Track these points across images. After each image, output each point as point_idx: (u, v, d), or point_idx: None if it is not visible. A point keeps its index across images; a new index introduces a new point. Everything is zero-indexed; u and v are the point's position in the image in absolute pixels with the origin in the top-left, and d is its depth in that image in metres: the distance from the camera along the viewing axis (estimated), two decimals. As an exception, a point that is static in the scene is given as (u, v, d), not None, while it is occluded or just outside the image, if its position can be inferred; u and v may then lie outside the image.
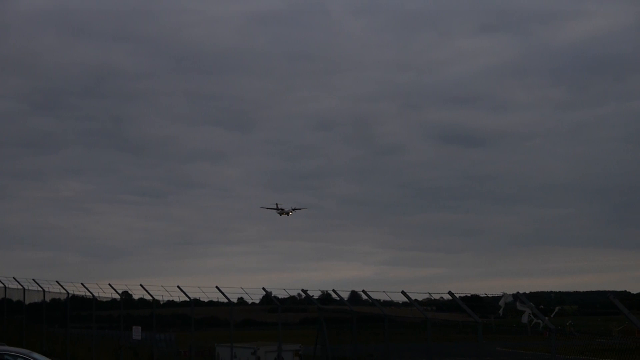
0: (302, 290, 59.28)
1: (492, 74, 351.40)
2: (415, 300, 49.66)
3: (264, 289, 58.29)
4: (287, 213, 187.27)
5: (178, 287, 60.74)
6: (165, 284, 63.72)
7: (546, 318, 37.13)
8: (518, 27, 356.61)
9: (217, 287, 57.04)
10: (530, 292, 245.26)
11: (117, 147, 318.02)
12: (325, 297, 75.37)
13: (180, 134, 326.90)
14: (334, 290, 55.23)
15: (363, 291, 50.42)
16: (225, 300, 58.37)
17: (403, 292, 43.93)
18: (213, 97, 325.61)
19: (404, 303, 53.37)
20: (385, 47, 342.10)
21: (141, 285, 63.24)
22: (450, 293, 40.04)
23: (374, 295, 51.88)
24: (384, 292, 53.01)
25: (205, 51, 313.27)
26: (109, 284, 67.51)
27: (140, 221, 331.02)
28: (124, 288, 71.63)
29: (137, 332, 62.82)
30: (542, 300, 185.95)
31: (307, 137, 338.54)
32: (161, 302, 74.81)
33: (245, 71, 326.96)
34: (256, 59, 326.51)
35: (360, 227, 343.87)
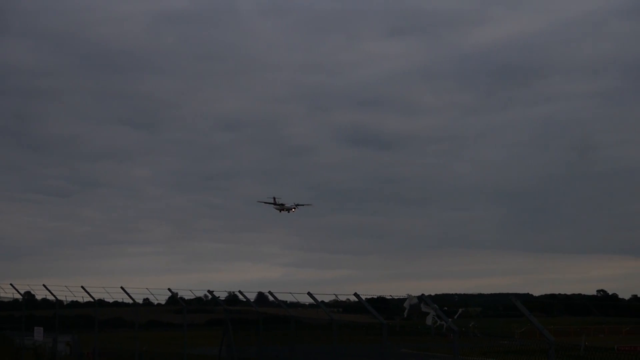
0: (209, 291, 58.97)
1: (401, 78, 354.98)
2: (322, 301, 49.83)
3: (169, 289, 57.86)
4: (288, 210, 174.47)
5: (82, 287, 59.86)
6: (69, 285, 62.75)
7: (450, 320, 37.60)
8: (427, 31, 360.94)
9: (122, 287, 56.38)
10: (436, 294, 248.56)
11: (20, 145, 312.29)
12: (232, 298, 75.13)
13: (86, 133, 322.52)
14: (240, 292, 55.10)
15: (269, 292, 50.40)
16: (131, 301, 57.76)
17: (309, 294, 44.02)
18: (120, 95, 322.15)
19: (311, 304, 53.55)
20: (294, 49, 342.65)
21: (44, 285, 62.17)
22: (356, 295, 40.26)
23: (281, 297, 51.95)
24: (290, 293, 53.04)
25: (112, 49, 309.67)
26: (11, 284, 66.23)
27: (45, 221, 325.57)
28: (27, 288, 70.35)
29: (38, 333, 61.64)
30: (446, 302, 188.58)
31: (215, 137, 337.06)
32: (65, 303, 73.61)
33: (153, 70, 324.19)
34: (164, 58, 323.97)
35: (268, 228, 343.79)
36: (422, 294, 42.15)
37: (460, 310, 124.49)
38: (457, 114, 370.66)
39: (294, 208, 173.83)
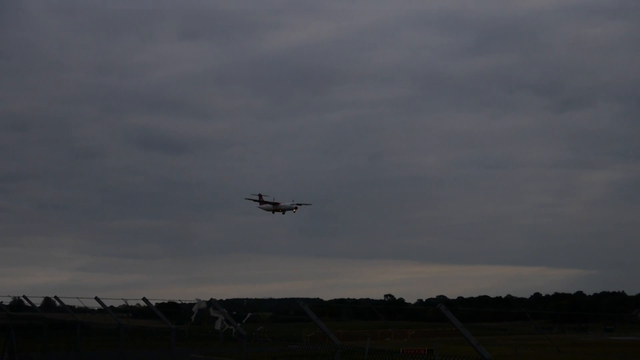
0: (-10, 296, 56.89)
1: (194, 81, 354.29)
2: (111, 306, 49.15)
3: (-54, 295, 55.42)
4: (284, 211, 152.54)
5: None
6: None
7: (238, 324, 37.79)
8: (221, 34, 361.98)
9: None
10: (227, 299, 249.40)
11: None
12: (17, 303, 72.79)
13: None
14: (25, 297, 53.53)
15: (55, 297, 49.14)
16: None
17: (97, 299, 43.22)
18: None
19: (100, 310, 52.57)
20: (85, 49, 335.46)
21: None
22: (144, 299, 39.82)
23: (68, 302, 50.90)
24: (78, 298, 52.08)
25: None
26: None
27: None
28: None
29: None
30: (236, 307, 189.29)
31: (1, 138, 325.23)
32: None
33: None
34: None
35: (57, 232, 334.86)
36: (212, 299, 42.27)
37: (249, 314, 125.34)
38: (250, 118, 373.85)
39: (295, 208, 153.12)
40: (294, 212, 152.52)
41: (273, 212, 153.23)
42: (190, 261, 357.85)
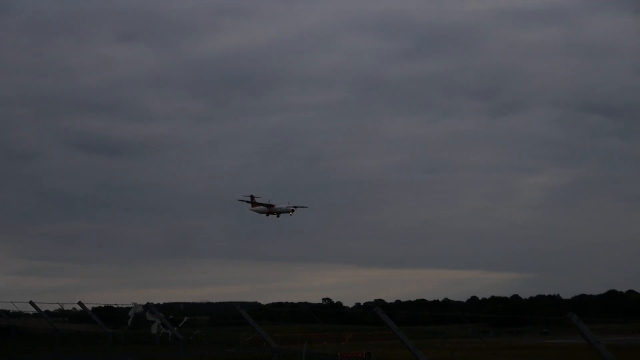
0: None
1: (131, 84, 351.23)
2: (46, 311, 48.59)
3: None
4: (279, 213, 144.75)
5: None
6: None
7: (175, 328, 37.67)
8: (158, 37, 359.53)
9: None
10: (164, 303, 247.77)
11: None
12: (-51, 308, 71.54)
13: None
14: (-43, 301, 52.71)
15: (-12, 301, 48.47)
16: None
17: (31, 303, 42.78)
18: None
19: (35, 314, 51.98)
20: (20, 50, 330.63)
21: None
22: (80, 303, 39.49)
23: (2, 306, 50.37)
24: (12, 302, 51.45)
25: None
26: None
27: None
28: None
29: None
30: (173, 311, 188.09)
31: None
32: None
33: None
34: None
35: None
36: (148, 303, 42.14)
37: (185, 318, 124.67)
38: (189, 121, 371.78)
39: (292, 210, 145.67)
40: (291, 214, 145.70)
41: (267, 215, 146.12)
42: (127, 265, 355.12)
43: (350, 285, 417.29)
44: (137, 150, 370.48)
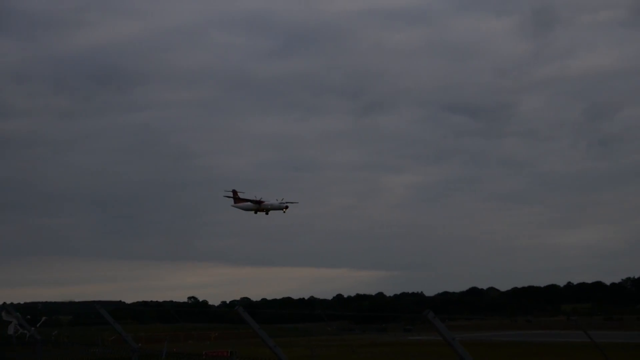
0: None
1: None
2: None
3: None
4: (267, 210, 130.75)
5: None
6: None
7: (33, 328, 36.75)
8: (20, 31, 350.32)
9: None
10: (25, 303, 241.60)
11: None
12: None
13: None
14: None
15: None
16: None
17: None
18: None
19: None
20: None
21: None
22: None
23: None
24: None
25: None
26: None
27: None
28: None
29: None
30: (31, 311, 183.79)
31: None
32: None
33: None
34: None
35: None
36: (4, 303, 40.88)
37: (43, 318, 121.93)
38: (51, 118, 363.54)
39: (286, 207, 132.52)
40: (284, 212, 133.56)
41: (255, 212, 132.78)
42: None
43: (218, 284, 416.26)
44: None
